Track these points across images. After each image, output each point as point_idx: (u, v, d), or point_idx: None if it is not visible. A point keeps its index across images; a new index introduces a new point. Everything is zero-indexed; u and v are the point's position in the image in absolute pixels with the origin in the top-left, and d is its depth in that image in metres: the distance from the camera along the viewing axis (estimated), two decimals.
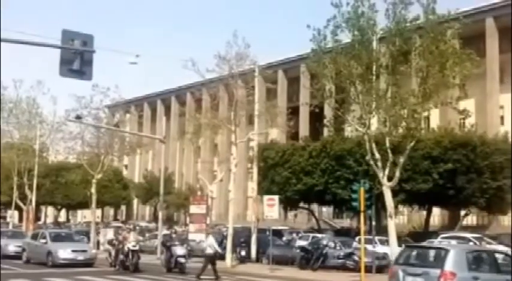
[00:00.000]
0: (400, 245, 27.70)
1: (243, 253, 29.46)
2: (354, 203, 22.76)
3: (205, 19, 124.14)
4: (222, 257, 26.44)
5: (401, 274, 13.71)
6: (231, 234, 27.48)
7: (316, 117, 48.62)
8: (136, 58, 32.19)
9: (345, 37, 23.29)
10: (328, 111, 34.01)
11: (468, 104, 37.48)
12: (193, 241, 30.10)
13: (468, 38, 37.78)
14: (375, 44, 22.77)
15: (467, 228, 41.73)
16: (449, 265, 12.96)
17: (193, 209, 30.53)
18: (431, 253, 14.34)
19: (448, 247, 15.18)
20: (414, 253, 14.77)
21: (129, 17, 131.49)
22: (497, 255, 14.68)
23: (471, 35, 43.66)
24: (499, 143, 39.07)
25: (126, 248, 24.13)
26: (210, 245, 22.74)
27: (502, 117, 52.45)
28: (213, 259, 22.43)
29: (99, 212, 73.00)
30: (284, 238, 35.43)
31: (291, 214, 54.13)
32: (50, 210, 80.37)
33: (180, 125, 69.45)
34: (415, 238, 34.85)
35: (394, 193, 25.75)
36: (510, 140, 41.32)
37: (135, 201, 78.97)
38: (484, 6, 51.40)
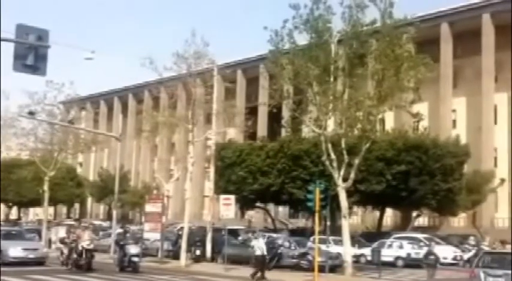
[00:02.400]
0: (353, 245, 28.24)
1: (198, 252, 29.36)
2: (309, 204, 23.01)
3: (164, 17, 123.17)
4: (176, 256, 26.31)
5: (482, 275, 16.17)
6: (186, 233, 27.39)
7: (274, 117, 48.95)
8: (92, 54, 31.63)
9: (303, 39, 23.52)
10: (285, 112, 34.26)
11: (422, 107, 38.34)
12: (147, 240, 29.84)
13: (423, 42, 38.62)
14: (333, 46, 23.05)
15: (418, 229, 42.70)
16: None
17: (149, 208, 30.23)
18: (508, 257, 16.85)
19: None
20: (494, 257, 17.37)
21: (86, 12, 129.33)
22: None
23: (426, 39, 44.59)
24: (451, 146, 40.11)
25: (80, 247, 23.72)
26: (259, 247, 23.13)
27: (454, 121, 53.88)
28: (262, 260, 22.85)
29: (51, 210, 71.49)
30: (240, 238, 35.46)
31: (247, 214, 54.26)
32: (1, 207, 78.29)
33: (137, 123, 68.73)
34: (368, 238, 35.48)
35: (349, 193, 26.15)
36: (461, 143, 42.53)
37: (89, 199, 77.74)
38: (439, 12, 52.68)
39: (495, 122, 50.93)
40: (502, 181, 48.01)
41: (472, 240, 34.26)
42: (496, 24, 50.50)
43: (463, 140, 44.58)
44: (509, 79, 50.87)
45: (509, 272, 15.55)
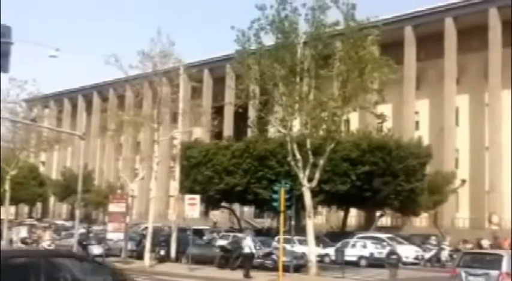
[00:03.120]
0: (317, 245, 28.48)
1: (162, 252, 29.17)
2: (275, 203, 23.11)
3: (131, 15, 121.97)
4: (140, 256, 26.09)
5: (463, 274, 16.75)
6: (150, 233, 27.19)
7: (241, 117, 49.00)
8: (57, 52, 31.16)
9: (270, 39, 23.61)
10: (252, 112, 34.32)
11: (385, 109, 38.90)
12: (111, 240, 29.51)
13: (387, 45, 39.29)
14: (299, 47, 23.18)
15: (382, 228, 43.30)
16: (505, 267, 16.09)
17: (113, 207, 29.86)
18: (488, 257, 17.70)
19: (502, 252, 18.37)
20: (475, 257, 17.99)
21: (51, 9, 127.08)
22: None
23: (390, 42, 45.34)
24: (414, 147, 40.80)
25: (41, 247, 23.35)
26: (247, 245, 23.64)
27: (417, 123, 54.81)
28: (251, 258, 23.39)
29: (13, 209, 70.00)
30: (205, 237, 35.40)
31: (212, 214, 54.17)
32: None
33: (101, 121, 67.87)
34: (332, 238, 35.81)
35: (314, 193, 26.35)
36: (424, 144, 43.30)
37: (52, 198, 76.43)
38: (403, 15, 53.48)
39: (457, 124, 52.01)
40: (463, 181, 49.07)
41: (433, 240, 34.91)
42: (458, 28, 51.56)
43: (426, 142, 45.41)
44: (471, 82, 52.06)
45: (489, 271, 16.24)
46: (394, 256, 27.96)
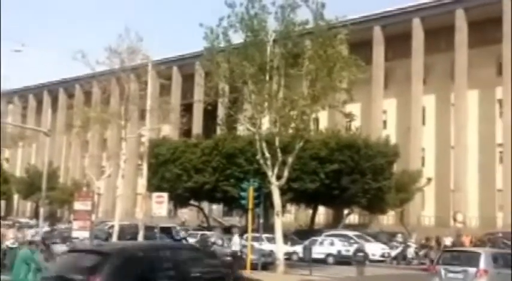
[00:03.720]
0: (286, 243, 28.53)
1: None
2: (243, 201, 23.08)
3: (98, 11, 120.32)
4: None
5: (443, 271, 17.37)
6: (116, 231, 26.83)
7: (210, 115, 48.74)
8: (22, 47, 30.51)
9: (239, 37, 23.49)
10: (221, 110, 34.22)
11: (354, 108, 39.08)
12: (76, 239, 29.02)
13: (356, 44, 39.51)
14: (268, 45, 23.14)
15: (349, 226, 43.64)
16: (482, 264, 16.80)
17: (78, 205, 29.32)
18: (466, 255, 18.31)
19: (479, 250, 19.09)
20: (454, 255, 18.74)
21: (16, 4, 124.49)
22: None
23: (359, 42, 45.65)
24: (381, 146, 41.22)
25: (4, 246, 22.79)
26: (235, 243, 24.08)
27: (384, 122, 55.42)
28: (237, 255, 23.61)
29: None
30: (177, 236, 35.12)
31: (181, 212, 53.86)
32: None
33: (67, 118, 66.76)
34: (300, 235, 35.95)
35: (283, 191, 26.37)
36: (391, 143, 43.76)
37: (16, 196, 74.93)
38: (372, 15, 53.97)
39: (423, 123, 52.74)
40: (429, 180, 49.77)
41: (399, 237, 35.32)
42: (425, 29, 52.26)
43: (393, 140, 45.91)
44: (437, 82, 52.83)
45: (468, 268, 16.91)
46: (361, 254, 28.19)
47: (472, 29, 49.49)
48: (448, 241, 33.40)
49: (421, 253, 32.04)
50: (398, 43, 53.73)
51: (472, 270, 16.78)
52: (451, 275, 17.22)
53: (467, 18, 49.69)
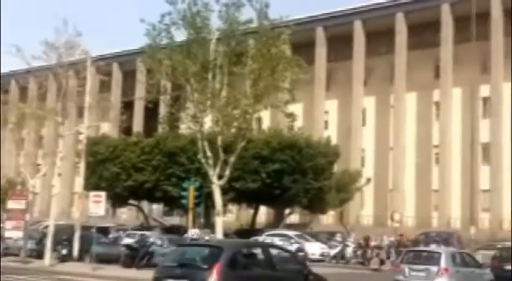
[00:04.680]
0: None
1: (64, 251, 27.93)
2: (183, 201, 22.79)
3: (34, 3, 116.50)
4: (40, 255, 24.91)
5: (407, 270, 18.53)
6: (51, 231, 25.95)
7: (151, 113, 48.03)
8: None
9: (182, 34, 23.11)
10: (163, 108, 33.65)
11: (296, 108, 39.30)
12: (9, 239, 27.94)
13: (299, 45, 39.81)
14: (212, 43, 22.88)
15: (290, 226, 43.92)
16: (443, 263, 18.00)
17: (11, 204, 28.25)
18: (428, 254, 19.45)
19: (440, 250, 20.43)
20: (416, 254, 19.82)
21: None
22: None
23: (302, 42, 46.05)
24: (322, 146, 41.67)
25: None
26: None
27: (326, 122, 56.15)
28: None
29: None
30: (110, 236, 34.38)
31: (120, 211, 52.85)
32: None
33: (2, 114, 64.20)
34: (241, 235, 35.85)
35: (224, 191, 26.14)
36: (332, 143, 44.29)
37: None
38: (314, 16, 54.51)
39: (363, 124, 53.74)
40: (368, 180, 50.73)
41: (338, 237, 35.77)
42: (366, 31, 53.26)
43: (334, 141, 46.53)
44: (377, 84, 53.91)
45: (430, 267, 18.09)
46: (301, 253, 28.33)
47: (411, 32, 50.79)
48: (385, 240, 34.10)
49: (359, 252, 32.54)
50: (340, 45, 54.53)
51: (433, 268, 17.93)
52: (414, 273, 18.35)
53: (407, 22, 50.95)
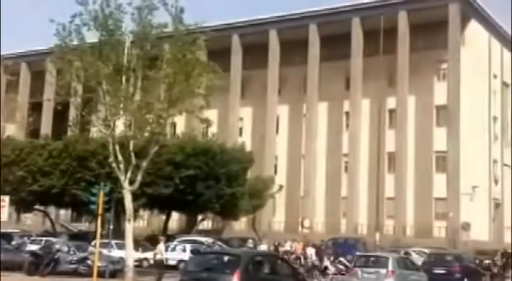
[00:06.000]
0: (137, 249, 27.87)
1: None
2: (92, 206, 22.21)
3: None
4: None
5: (359, 272, 21.12)
6: None
7: (61, 115, 46.50)
8: None
9: (95, 36, 22.59)
10: (73, 110, 32.65)
11: (212, 114, 39.44)
12: None
13: (215, 52, 40.06)
14: (126, 46, 22.53)
15: (203, 232, 43.84)
16: (390, 266, 20.83)
17: None
18: (377, 258, 22.22)
19: (388, 255, 22.89)
20: (367, 259, 22.54)
21: None
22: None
23: (218, 49, 46.29)
24: (237, 153, 41.91)
25: None
26: (160, 251, 23.59)
27: (241, 129, 56.63)
28: (162, 265, 23.36)
29: None
30: (14, 242, 32.83)
31: (25, 216, 50.65)
32: None
33: None
34: (152, 241, 35.33)
35: (136, 196, 25.75)
36: (246, 150, 44.69)
37: None
38: (231, 24, 54.92)
39: (277, 132, 54.65)
40: (281, 187, 51.62)
41: (250, 243, 36.18)
42: (281, 41, 54.27)
43: (248, 148, 47.00)
44: (291, 93, 55.04)
45: (379, 269, 20.75)
46: None
47: (324, 44, 52.30)
48: (287, 246, 35.05)
49: None
50: (256, 53, 55.24)
51: (382, 271, 20.73)
52: (366, 275, 20.98)
53: (320, 34, 52.41)
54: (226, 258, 15.35)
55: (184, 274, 15.41)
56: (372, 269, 21.10)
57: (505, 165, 53.67)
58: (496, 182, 51.86)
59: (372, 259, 22.40)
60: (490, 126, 51.39)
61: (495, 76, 52.55)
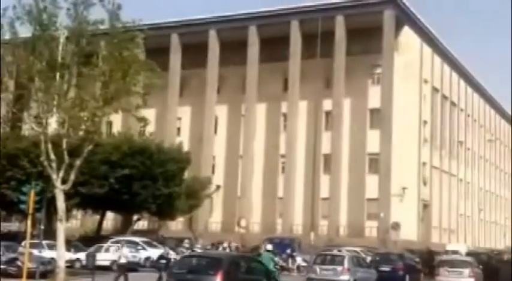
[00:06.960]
0: (69, 250, 27.29)
1: None
2: (22, 206, 21.63)
3: None
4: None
5: (318, 269, 23.39)
6: None
7: None
8: None
9: (28, 31, 22.00)
10: (3, 107, 31.58)
11: (149, 113, 39.17)
12: None
13: (154, 50, 39.66)
14: (60, 42, 22.03)
15: (138, 232, 43.29)
16: (346, 264, 23.24)
17: None
18: (335, 257, 24.18)
19: (344, 254, 25.06)
20: (325, 257, 24.51)
21: None
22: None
23: (157, 48, 45.88)
24: (174, 152, 41.61)
25: None
26: (123, 255, 23.15)
27: (179, 129, 56.31)
28: (124, 268, 22.88)
29: None
30: None
31: None
32: None
33: None
34: (86, 242, 34.68)
35: (69, 196, 25.20)
36: (184, 150, 44.49)
37: None
38: (170, 22, 54.65)
39: (215, 132, 54.68)
40: (218, 187, 51.68)
41: (186, 243, 35.90)
42: (221, 41, 54.37)
43: (186, 147, 46.78)
44: (230, 93, 55.21)
45: (336, 267, 23.00)
46: (163, 261, 28.05)
47: (263, 45, 52.75)
48: (229, 245, 35.21)
49: None
50: (195, 53, 55.06)
51: (339, 268, 23.02)
52: (324, 272, 23.13)
53: (260, 35, 52.83)
54: (209, 260, 16.43)
55: (170, 275, 16.24)
56: (329, 267, 23.24)
57: (434, 167, 55.81)
58: (424, 183, 53.80)
59: (329, 257, 24.44)
60: (420, 130, 53.25)
61: (426, 81, 54.49)
